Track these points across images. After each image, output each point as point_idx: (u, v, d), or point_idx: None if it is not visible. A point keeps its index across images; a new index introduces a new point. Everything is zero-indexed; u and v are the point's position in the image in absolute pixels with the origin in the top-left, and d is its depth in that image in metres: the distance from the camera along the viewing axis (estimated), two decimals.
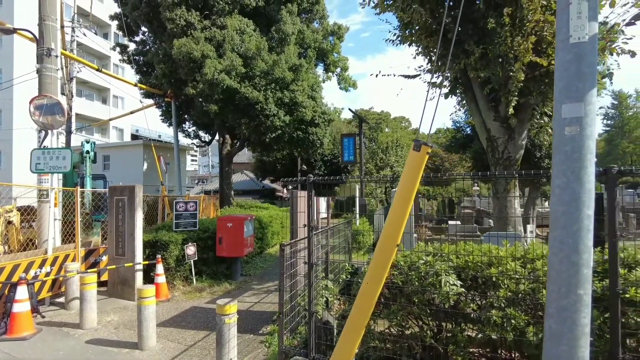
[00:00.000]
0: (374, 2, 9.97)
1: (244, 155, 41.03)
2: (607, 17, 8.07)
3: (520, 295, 3.36)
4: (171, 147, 23.33)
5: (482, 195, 33.23)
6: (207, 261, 9.56)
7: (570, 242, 2.45)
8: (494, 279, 3.48)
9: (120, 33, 19.81)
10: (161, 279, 8.14)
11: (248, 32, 15.69)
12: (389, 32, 12.67)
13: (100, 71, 15.63)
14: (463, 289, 3.59)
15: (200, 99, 15.70)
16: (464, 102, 11.48)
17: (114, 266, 8.02)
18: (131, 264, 7.92)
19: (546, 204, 21.44)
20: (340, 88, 20.44)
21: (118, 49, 20.18)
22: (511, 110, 8.22)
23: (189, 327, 6.42)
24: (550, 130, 9.54)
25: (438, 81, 10.30)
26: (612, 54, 8.09)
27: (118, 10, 19.55)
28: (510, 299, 3.36)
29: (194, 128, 22.23)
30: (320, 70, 20.70)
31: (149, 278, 8.39)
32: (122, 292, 8.05)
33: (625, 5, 7.99)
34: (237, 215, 10.37)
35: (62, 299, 7.53)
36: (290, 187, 25.26)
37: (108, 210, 8.43)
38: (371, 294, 3.25)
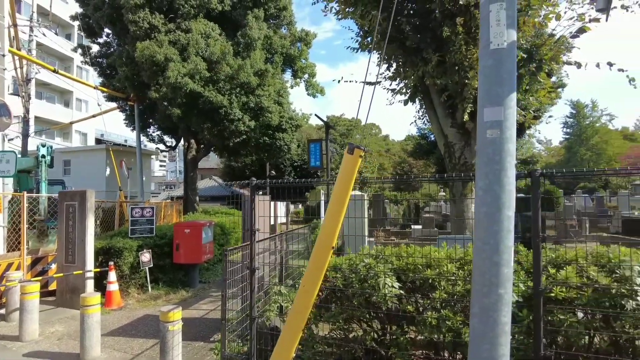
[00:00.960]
0: (335, 9, 10.04)
1: (213, 161, 40.48)
2: (554, 30, 8.40)
3: (455, 296, 3.42)
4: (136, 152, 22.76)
5: (447, 200, 33.96)
6: (164, 268, 9.32)
7: (491, 242, 2.51)
8: (430, 280, 3.52)
9: (84, 34, 19.25)
10: (114, 286, 7.87)
11: (213, 36, 15.53)
12: (351, 39, 12.79)
13: (57, 72, 15.10)
14: (402, 291, 3.62)
15: (163, 103, 15.39)
16: (424, 109, 11.72)
17: (62, 274, 7.70)
18: (81, 271, 7.62)
19: None
20: (308, 94, 20.52)
21: (80, 50, 19.56)
22: (466, 117, 8.41)
23: (138, 336, 6.22)
24: None
25: (397, 88, 10.45)
26: (558, 64, 8.42)
27: (80, 10, 18.98)
28: (446, 300, 3.41)
29: (158, 132, 21.75)
30: (288, 76, 20.73)
31: (101, 286, 8.09)
32: (71, 301, 7.72)
33: (571, 19, 8.36)
34: (195, 221, 10.18)
35: (2, 311, 7.15)
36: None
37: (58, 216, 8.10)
38: (307, 297, 3.23)
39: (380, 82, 10.80)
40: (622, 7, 8.07)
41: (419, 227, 15.44)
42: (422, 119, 12.15)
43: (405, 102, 10.88)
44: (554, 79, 17.94)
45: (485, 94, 2.55)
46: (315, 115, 14.41)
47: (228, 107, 14.49)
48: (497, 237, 2.49)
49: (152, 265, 8.78)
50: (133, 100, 17.48)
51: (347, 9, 9.44)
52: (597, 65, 8.32)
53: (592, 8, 8.59)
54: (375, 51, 9.93)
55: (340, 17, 9.69)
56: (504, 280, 2.50)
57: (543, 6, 7.95)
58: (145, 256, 8.65)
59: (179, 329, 4.58)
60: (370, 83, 11.07)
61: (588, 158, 49.93)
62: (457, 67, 8.48)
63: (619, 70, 8.50)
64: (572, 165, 50.60)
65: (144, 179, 19.71)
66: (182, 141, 21.13)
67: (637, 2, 7.99)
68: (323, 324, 4.02)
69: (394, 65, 10.14)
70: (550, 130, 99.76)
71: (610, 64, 8.30)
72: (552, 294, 3.16)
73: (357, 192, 7.49)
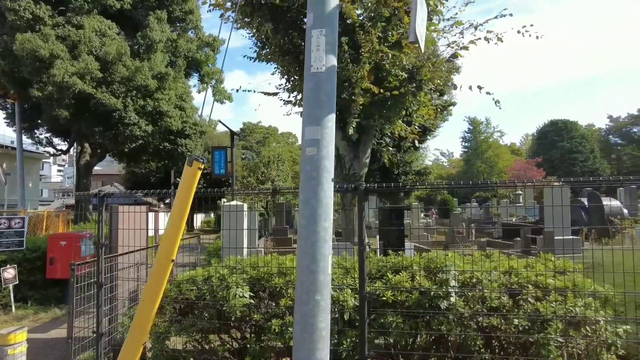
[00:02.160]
0: (232, 18, 10.00)
1: (115, 166, 37.81)
2: (431, 54, 9.20)
3: None
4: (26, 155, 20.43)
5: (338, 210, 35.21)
6: (35, 284, 8.46)
7: (309, 252, 2.67)
8: (278, 288, 3.65)
9: None
10: None
11: (110, 34, 14.60)
12: (250, 48, 12.88)
13: None
14: (252, 300, 3.69)
15: (49, 103, 14.08)
16: None
17: None
18: None
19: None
20: (216, 100, 20.15)
21: None
22: (351, 131, 8.80)
23: None
24: (392, 150, 10.50)
25: (294, 100, 10.66)
26: (434, 84, 9.21)
27: None
28: (290, 307, 3.55)
29: (48, 134, 19.81)
30: (195, 80, 20.20)
31: None
32: None
33: (447, 45, 9.25)
34: (74, 232, 9.43)
35: None
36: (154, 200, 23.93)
37: None
38: (148, 310, 3.17)
39: (278, 93, 10.97)
40: (485, 39, 9.12)
41: None
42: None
43: (302, 114, 11.16)
44: (446, 97, 19.74)
45: (306, 114, 2.74)
46: (219, 121, 14.24)
47: (123, 111, 13.69)
48: (314, 247, 2.66)
49: (17, 282, 7.93)
50: (13, 98, 15.76)
51: (244, 19, 9.49)
52: (470, 88, 9.31)
53: (462, 37, 9.62)
54: (271, 62, 10.08)
55: (237, 26, 9.70)
56: (320, 287, 2.68)
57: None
58: (10, 272, 7.78)
59: (22, 351, 4.21)
60: (267, 93, 11.20)
61: (483, 170, 55.18)
62: (346, 84, 8.92)
63: (487, 93, 9.61)
64: (469, 176, 55.60)
65: (29, 185, 17.81)
66: (75, 144, 19.48)
67: (499, 34, 9.09)
68: (177, 338, 3.95)
69: (292, 77, 10.36)
70: (454, 144, 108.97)
71: (479, 87, 9.31)
72: (384, 297, 3.45)
73: (238, 202, 7.49)
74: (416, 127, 10.26)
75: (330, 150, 2.72)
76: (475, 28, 9.72)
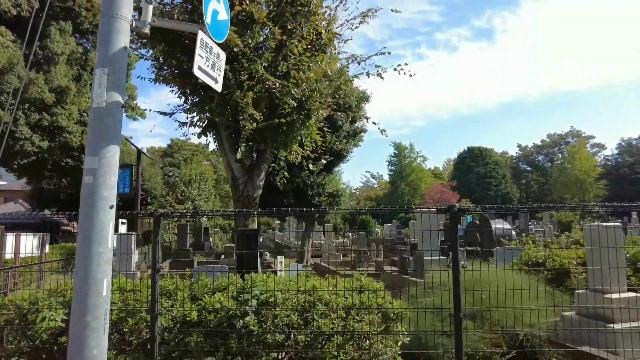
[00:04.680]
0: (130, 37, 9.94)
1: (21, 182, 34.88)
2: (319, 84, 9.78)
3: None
4: None
5: (283, 229, 35.65)
6: None
7: (81, 274, 2.83)
8: None
9: None
10: None
11: (3, 42, 13.81)
12: (147, 69, 12.83)
13: None
14: (64, 324, 3.73)
15: None
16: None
17: None
18: None
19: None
20: (127, 116, 19.58)
21: None
22: (239, 154, 9.06)
23: None
24: (285, 173, 10.88)
25: (191, 121, 10.73)
26: (319, 113, 9.79)
27: None
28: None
29: None
30: None
31: None
32: None
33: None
34: None
35: None
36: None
37: None
38: None
39: (174, 113, 11.00)
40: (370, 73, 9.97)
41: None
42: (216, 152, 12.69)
43: (199, 135, 11.27)
44: (358, 124, 20.81)
45: (88, 144, 2.93)
46: (127, 139, 13.87)
47: (12, 124, 12.90)
48: (86, 270, 2.82)
49: None
50: None
51: (141, 40, 9.50)
52: (366, 118, 10.19)
53: (348, 70, 10.39)
54: (169, 84, 10.13)
55: (137, 45, 9.72)
56: (91, 308, 2.83)
57: (310, 66, 9.30)
58: None
59: None
60: (164, 113, 11.22)
61: (407, 192, 57.95)
62: (239, 108, 9.20)
63: (373, 123, 10.44)
64: (395, 198, 58.19)
65: None
66: None
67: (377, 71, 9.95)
68: None
69: (189, 98, 10.48)
70: (383, 166, 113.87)
71: (366, 118, 10.11)
72: (189, 318, 3.65)
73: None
74: (307, 152, 10.74)
75: (109, 180, 2.92)
76: (359, 63, 10.57)
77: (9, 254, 7.37)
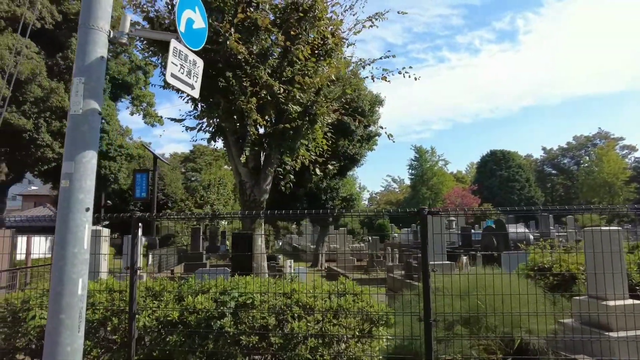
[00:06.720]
0: (139, 46, 10.30)
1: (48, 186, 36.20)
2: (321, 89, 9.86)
3: (94, 323, 3.80)
4: None
5: (300, 233, 35.78)
6: None
7: (57, 274, 2.95)
8: None
9: None
10: None
11: (27, 53, 14.45)
12: (159, 76, 13.22)
13: None
14: None
15: None
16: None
17: None
18: None
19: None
20: (146, 123, 20.14)
21: None
22: (244, 158, 9.19)
23: None
24: (292, 177, 10.96)
25: (199, 127, 10.94)
26: (328, 117, 9.83)
27: None
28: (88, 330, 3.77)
29: None
30: (127, 103, 20.09)
31: None
32: None
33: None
34: None
35: None
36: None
37: None
38: None
39: (185, 119, 11.25)
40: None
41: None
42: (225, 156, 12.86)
43: (209, 141, 11.48)
44: (372, 128, 20.78)
45: (65, 150, 3.07)
46: (145, 145, 14.25)
47: (34, 132, 13.47)
48: (61, 271, 2.95)
49: None
50: None
51: (150, 48, 9.80)
52: (387, 134, 10.35)
53: (352, 76, 10.43)
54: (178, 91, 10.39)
55: (147, 55, 10.03)
56: (65, 307, 2.95)
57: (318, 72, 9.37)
58: None
59: None
60: (174, 120, 11.49)
61: (428, 196, 57.19)
62: (245, 114, 9.34)
63: (380, 127, 10.38)
64: (416, 202, 57.47)
65: None
66: None
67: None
68: None
69: (199, 105, 10.70)
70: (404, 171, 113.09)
71: (374, 123, 10.10)
72: (170, 318, 3.75)
73: (98, 227, 7.59)
74: (313, 156, 10.77)
75: (85, 184, 3.05)
76: (363, 67, 10.59)
77: (22, 255, 7.70)
